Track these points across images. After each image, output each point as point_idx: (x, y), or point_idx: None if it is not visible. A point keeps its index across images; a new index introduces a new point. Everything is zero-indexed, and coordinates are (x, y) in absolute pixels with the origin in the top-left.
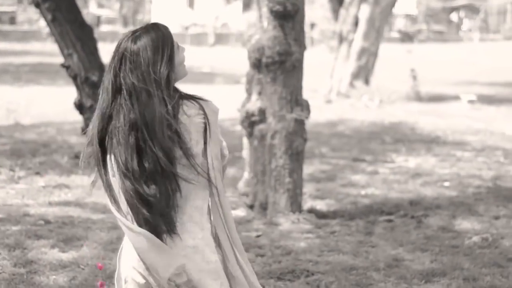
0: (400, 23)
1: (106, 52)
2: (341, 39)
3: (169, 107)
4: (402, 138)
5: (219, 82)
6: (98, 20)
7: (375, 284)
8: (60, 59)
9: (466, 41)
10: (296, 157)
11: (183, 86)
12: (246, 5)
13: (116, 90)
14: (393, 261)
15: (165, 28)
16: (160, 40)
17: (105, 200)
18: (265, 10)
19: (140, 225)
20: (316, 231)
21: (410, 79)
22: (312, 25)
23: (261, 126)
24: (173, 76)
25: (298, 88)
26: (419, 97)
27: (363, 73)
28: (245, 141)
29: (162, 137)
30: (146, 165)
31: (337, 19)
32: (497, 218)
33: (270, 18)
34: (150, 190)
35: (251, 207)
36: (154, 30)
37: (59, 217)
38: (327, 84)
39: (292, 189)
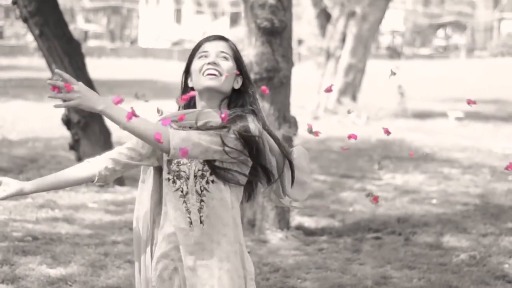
0: (386, 40)
1: (93, 67)
2: (329, 55)
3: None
4: (389, 155)
5: None
6: (86, 35)
7: None
8: (47, 74)
9: (452, 58)
10: None
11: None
12: (233, 21)
13: None
14: (381, 279)
15: (208, 37)
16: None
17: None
18: (253, 26)
19: None
20: (304, 248)
21: (397, 95)
22: (300, 42)
23: None
24: (187, 79)
25: (286, 104)
26: (406, 114)
27: (351, 89)
28: None
29: None
30: None
31: (325, 35)
32: (484, 235)
33: (258, 34)
34: None
35: None
36: None
37: (46, 233)
38: (315, 101)
39: (280, 206)
